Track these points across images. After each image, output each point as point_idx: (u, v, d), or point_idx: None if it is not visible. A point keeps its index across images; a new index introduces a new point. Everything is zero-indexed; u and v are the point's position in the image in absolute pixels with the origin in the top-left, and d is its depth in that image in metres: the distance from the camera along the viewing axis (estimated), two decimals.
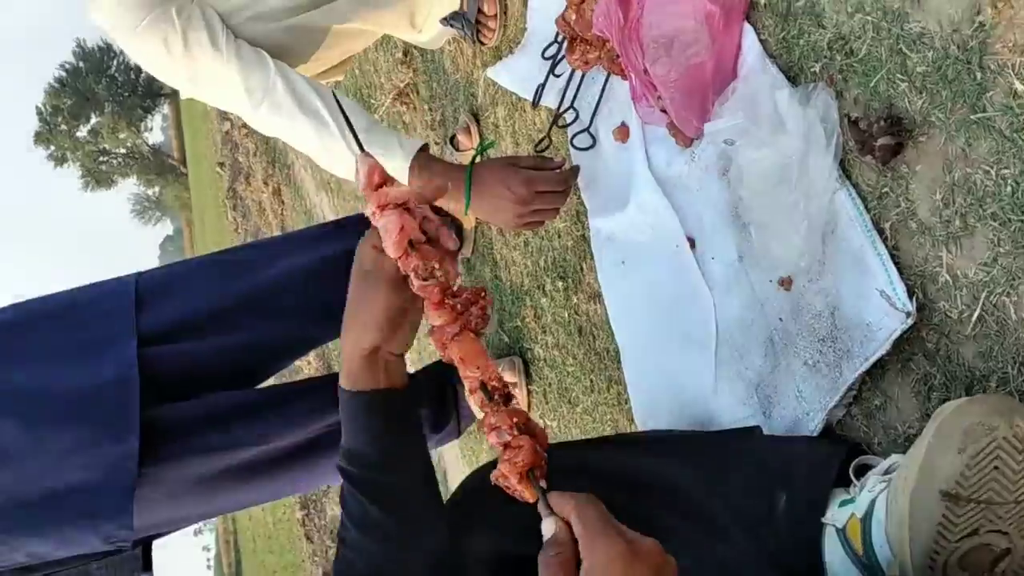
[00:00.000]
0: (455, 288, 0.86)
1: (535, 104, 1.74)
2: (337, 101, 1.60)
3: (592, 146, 1.71)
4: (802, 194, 1.05)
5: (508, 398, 0.82)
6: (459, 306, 0.85)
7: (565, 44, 1.63)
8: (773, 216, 1.09)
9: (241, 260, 1.91)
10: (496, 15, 2.05)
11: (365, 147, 1.61)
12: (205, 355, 1.81)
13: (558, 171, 1.52)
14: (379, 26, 2.00)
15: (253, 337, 1.85)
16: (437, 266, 0.83)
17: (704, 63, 1.23)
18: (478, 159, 1.60)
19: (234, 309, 1.83)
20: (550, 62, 1.79)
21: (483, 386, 0.81)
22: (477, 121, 2.35)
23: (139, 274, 1.85)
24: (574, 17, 1.56)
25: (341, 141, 1.57)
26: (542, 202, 1.49)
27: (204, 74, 1.57)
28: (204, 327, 1.81)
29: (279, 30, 1.66)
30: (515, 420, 0.78)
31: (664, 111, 1.36)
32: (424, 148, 1.64)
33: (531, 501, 0.72)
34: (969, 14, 0.90)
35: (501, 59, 2.09)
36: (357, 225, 1.96)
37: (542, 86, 1.75)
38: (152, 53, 1.57)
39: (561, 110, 1.76)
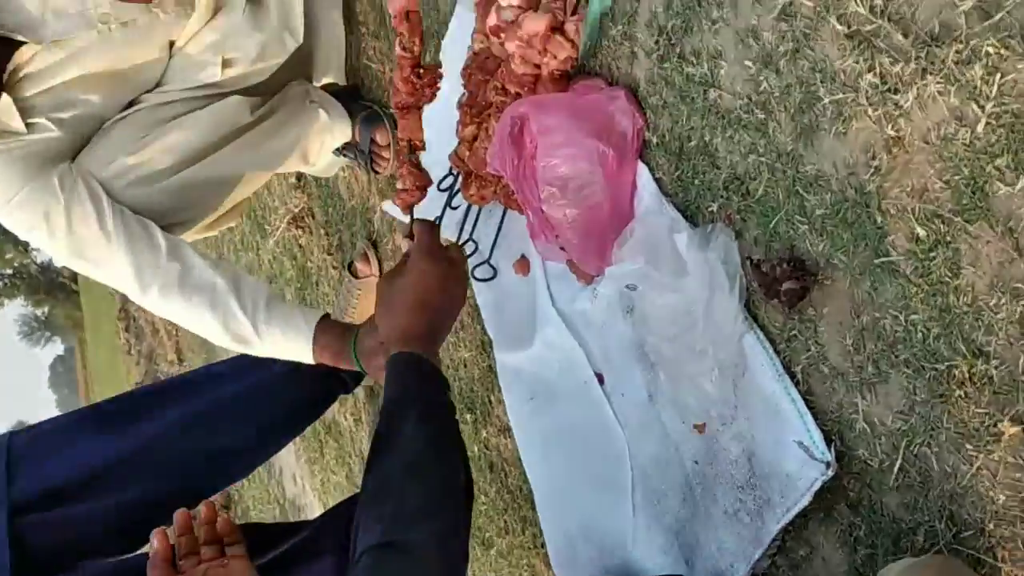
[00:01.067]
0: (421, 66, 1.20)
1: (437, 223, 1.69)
2: (235, 278, 1.53)
3: (493, 277, 1.66)
4: (710, 341, 1.02)
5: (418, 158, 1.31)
6: (419, 82, 1.23)
7: (460, 178, 1.60)
8: (682, 363, 1.05)
9: (118, 411, 1.78)
10: (389, 144, 2.02)
11: (265, 325, 1.55)
12: (84, 520, 1.66)
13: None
14: (279, 169, 1.95)
15: (136, 496, 1.71)
16: (416, 42, 1.17)
17: (600, 204, 1.21)
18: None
19: (115, 467, 1.69)
20: (446, 194, 1.76)
21: (410, 144, 1.30)
22: (375, 247, 2.29)
23: (10, 435, 1.70)
24: (467, 154, 1.53)
25: (245, 323, 1.50)
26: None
27: (90, 253, 1.48)
28: (82, 489, 1.66)
29: (162, 192, 1.60)
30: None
31: (563, 248, 1.33)
32: (325, 316, 1.58)
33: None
34: (864, 158, 0.89)
35: (393, 176, 2.04)
36: (232, 370, 1.86)
37: (439, 219, 1.70)
38: (31, 226, 1.47)
39: (460, 242, 1.72)
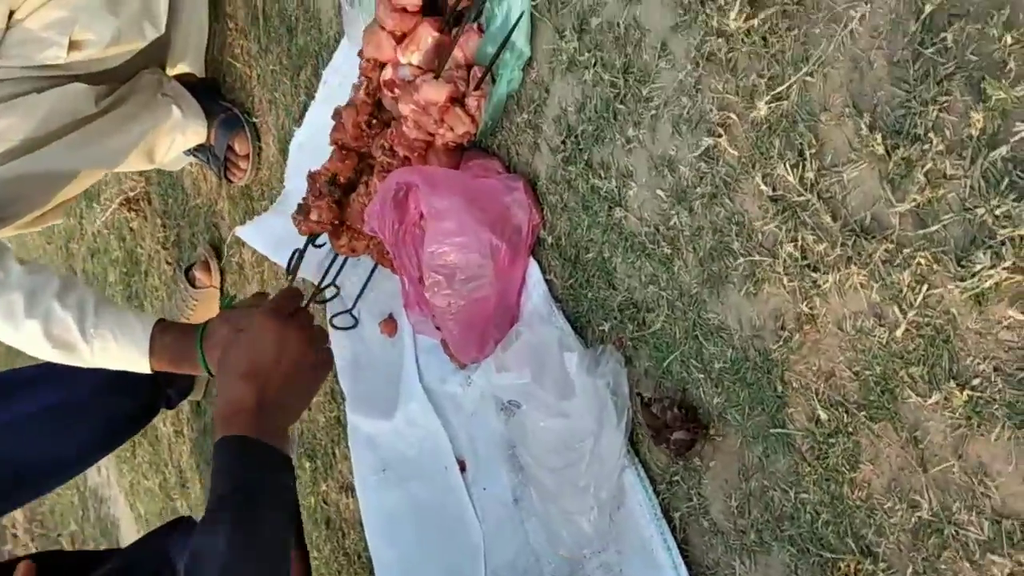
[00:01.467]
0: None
1: (290, 273, 1.56)
2: (62, 281, 1.37)
3: (354, 326, 1.56)
4: (592, 477, 0.97)
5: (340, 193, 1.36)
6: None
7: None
8: (561, 498, 1.00)
9: None
10: (248, 155, 1.86)
11: (94, 329, 1.38)
12: None
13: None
14: (119, 168, 1.76)
15: None
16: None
17: (488, 297, 1.14)
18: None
19: None
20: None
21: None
22: (218, 257, 2.13)
23: None
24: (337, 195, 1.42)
25: (71, 327, 1.34)
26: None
27: None
28: None
29: None
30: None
31: (439, 328, 1.25)
32: (161, 320, 1.44)
33: None
34: (772, 324, 0.87)
35: (252, 203, 1.89)
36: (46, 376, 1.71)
37: (300, 253, 1.57)
38: None
39: (321, 285, 1.60)
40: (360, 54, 1.30)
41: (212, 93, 1.94)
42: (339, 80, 1.48)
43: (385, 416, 1.37)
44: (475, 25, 1.17)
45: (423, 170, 1.19)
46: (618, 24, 0.99)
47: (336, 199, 1.41)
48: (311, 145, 1.58)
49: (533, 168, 1.14)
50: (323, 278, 1.59)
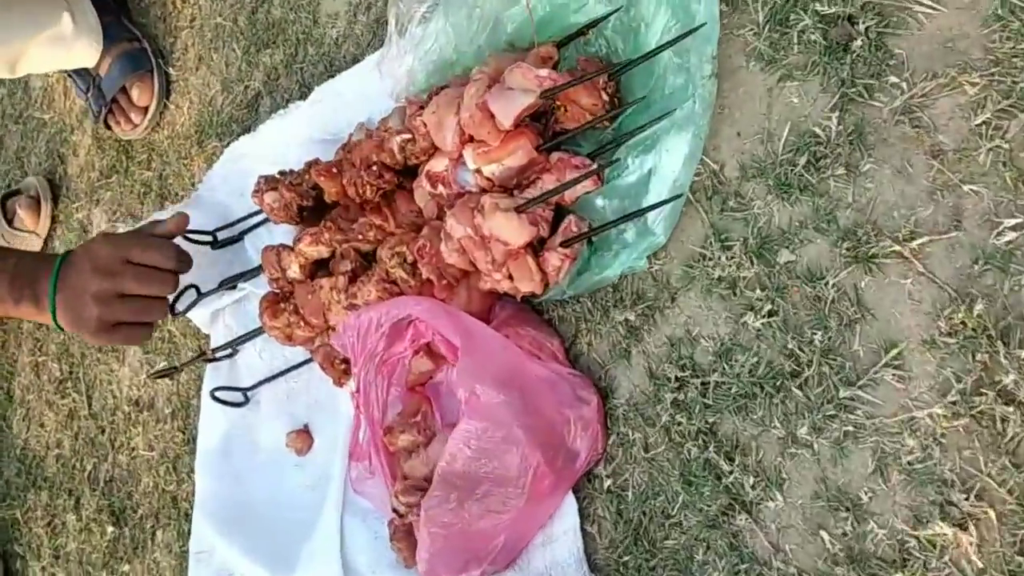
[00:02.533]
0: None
1: (175, 311, 1.17)
2: None
3: (241, 404, 1.19)
4: None
5: None
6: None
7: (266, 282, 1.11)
8: None
9: None
10: (147, 110, 1.41)
11: None
12: None
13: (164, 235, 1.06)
14: None
15: None
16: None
17: (499, 527, 0.84)
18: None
19: None
20: (226, 258, 1.24)
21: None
22: (55, 200, 1.64)
23: None
24: (293, 265, 1.05)
25: None
26: (137, 282, 0.97)
27: None
28: None
29: None
30: None
31: (401, 517, 0.93)
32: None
33: None
34: None
35: (126, 162, 1.45)
36: None
37: (198, 293, 1.18)
38: None
39: (214, 346, 1.21)
40: (402, 117, 0.95)
41: (118, 8, 1.46)
42: (334, 106, 1.10)
43: (271, 569, 1.03)
44: (590, 162, 0.86)
45: (459, 321, 0.86)
46: (825, 282, 0.72)
47: (304, 206, 1.06)
48: (255, 161, 1.19)
49: (610, 377, 0.86)
50: (215, 333, 1.20)
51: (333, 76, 1.14)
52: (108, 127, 1.47)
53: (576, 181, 0.83)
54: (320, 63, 1.18)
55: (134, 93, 1.41)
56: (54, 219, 1.63)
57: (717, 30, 0.80)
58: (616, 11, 0.86)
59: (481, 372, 0.81)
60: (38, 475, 1.57)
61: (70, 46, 1.38)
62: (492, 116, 0.84)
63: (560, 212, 0.88)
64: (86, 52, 1.40)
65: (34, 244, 1.63)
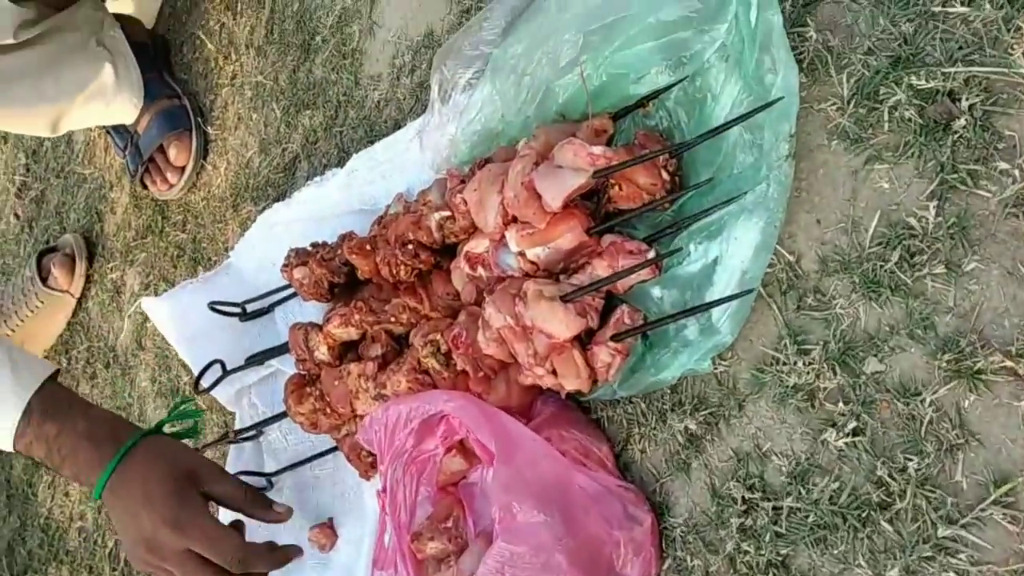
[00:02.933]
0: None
1: (199, 388, 1.09)
2: None
3: (265, 489, 1.11)
4: None
5: None
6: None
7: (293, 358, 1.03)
8: None
9: None
10: (185, 169, 1.36)
11: None
12: None
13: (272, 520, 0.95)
14: (5, 126, 1.24)
15: None
16: None
17: None
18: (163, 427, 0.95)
19: None
20: (249, 330, 1.16)
21: None
22: (89, 259, 1.59)
23: None
24: (321, 347, 0.98)
25: None
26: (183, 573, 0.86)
27: None
28: None
29: None
30: None
31: None
32: (55, 376, 0.94)
33: None
34: None
35: (161, 222, 1.39)
36: None
37: (223, 368, 1.11)
38: None
39: (239, 426, 1.14)
40: (440, 194, 0.87)
41: (160, 63, 1.42)
42: (371, 176, 1.03)
43: None
44: (647, 247, 0.77)
45: (496, 422, 0.77)
46: (922, 399, 0.62)
47: (335, 283, 0.98)
48: (287, 230, 1.12)
49: (666, 492, 0.75)
50: (243, 413, 1.13)
51: (372, 142, 1.07)
52: (144, 186, 1.42)
53: (632, 270, 0.74)
54: (360, 127, 1.11)
55: (171, 152, 1.36)
56: (88, 278, 1.59)
57: (796, 105, 0.71)
58: (680, 82, 0.77)
59: (519, 485, 0.72)
60: (60, 548, 1.50)
61: (110, 101, 1.34)
62: (539, 196, 0.76)
63: (611, 301, 0.79)
64: (126, 108, 1.36)
65: (67, 304, 1.59)
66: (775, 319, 0.71)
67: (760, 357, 0.71)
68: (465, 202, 0.83)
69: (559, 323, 0.75)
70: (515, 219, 0.80)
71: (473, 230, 0.85)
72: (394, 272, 0.88)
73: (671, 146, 0.75)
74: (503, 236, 0.81)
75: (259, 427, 1.08)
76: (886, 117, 0.69)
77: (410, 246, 0.86)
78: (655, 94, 0.79)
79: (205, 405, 1.24)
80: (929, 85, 0.67)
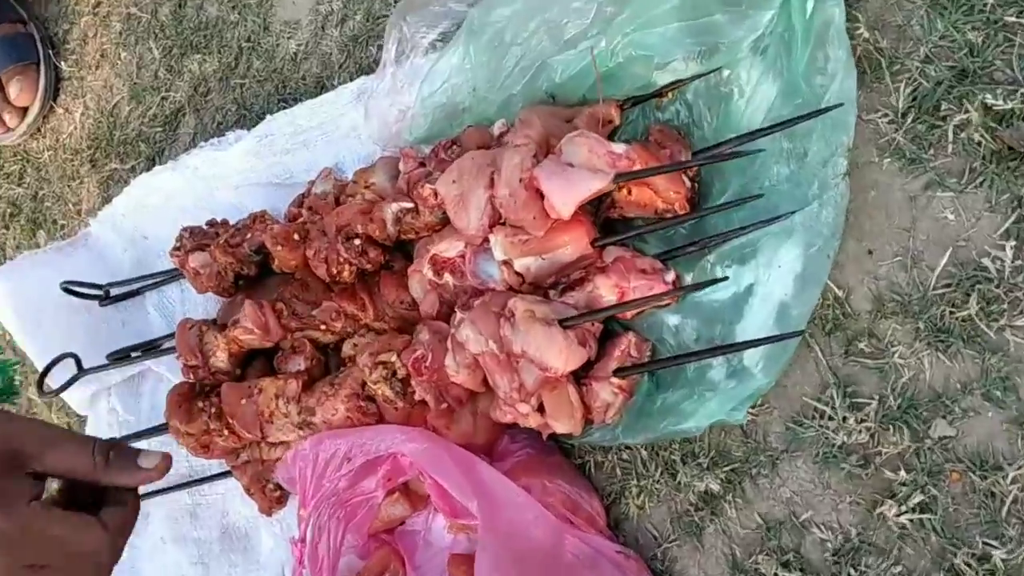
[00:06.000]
0: None
1: (44, 388, 0.88)
2: None
3: None
4: None
5: None
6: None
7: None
8: None
9: None
10: (28, 110, 1.12)
11: None
12: None
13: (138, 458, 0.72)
14: None
15: None
16: None
17: None
18: None
19: None
20: (111, 318, 0.96)
21: None
22: None
23: None
24: (220, 352, 0.80)
25: None
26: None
27: None
28: None
29: None
30: None
31: None
32: None
33: None
34: None
35: (0, 151, 1.14)
36: None
37: (78, 364, 0.90)
38: None
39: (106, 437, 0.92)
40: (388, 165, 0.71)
41: None
42: (289, 145, 0.85)
43: None
44: (661, 266, 0.64)
45: (474, 473, 0.63)
46: (1003, 473, 0.53)
47: (241, 275, 0.79)
48: (171, 201, 0.92)
49: (670, 558, 0.64)
50: (106, 422, 0.93)
51: (286, 102, 0.88)
52: None
53: (654, 300, 0.61)
54: (268, 81, 0.92)
55: (12, 89, 1.11)
56: None
57: (854, 114, 0.60)
58: (711, 72, 0.64)
59: (507, 556, 0.58)
60: None
61: None
62: (541, 197, 0.61)
63: (609, 323, 0.66)
64: None
65: None
66: (818, 364, 0.60)
67: (799, 408, 0.60)
68: (436, 194, 0.67)
69: (557, 354, 0.61)
70: (503, 222, 0.65)
71: (439, 227, 0.70)
72: (334, 271, 0.71)
73: (726, 151, 0.62)
74: (486, 240, 0.66)
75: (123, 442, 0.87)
76: (950, 137, 0.59)
77: (357, 241, 0.69)
78: (676, 84, 0.66)
79: (47, 404, 1.02)
80: (1006, 106, 0.57)
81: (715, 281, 0.60)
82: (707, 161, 0.60)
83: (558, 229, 0.63)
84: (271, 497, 0.78)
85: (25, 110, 1.12)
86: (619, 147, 0.60)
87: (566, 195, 0.60)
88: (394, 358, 0.67)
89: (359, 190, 0.75)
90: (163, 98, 1.01)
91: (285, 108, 0.86)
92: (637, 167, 0.60)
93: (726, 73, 0.65)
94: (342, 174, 0.81)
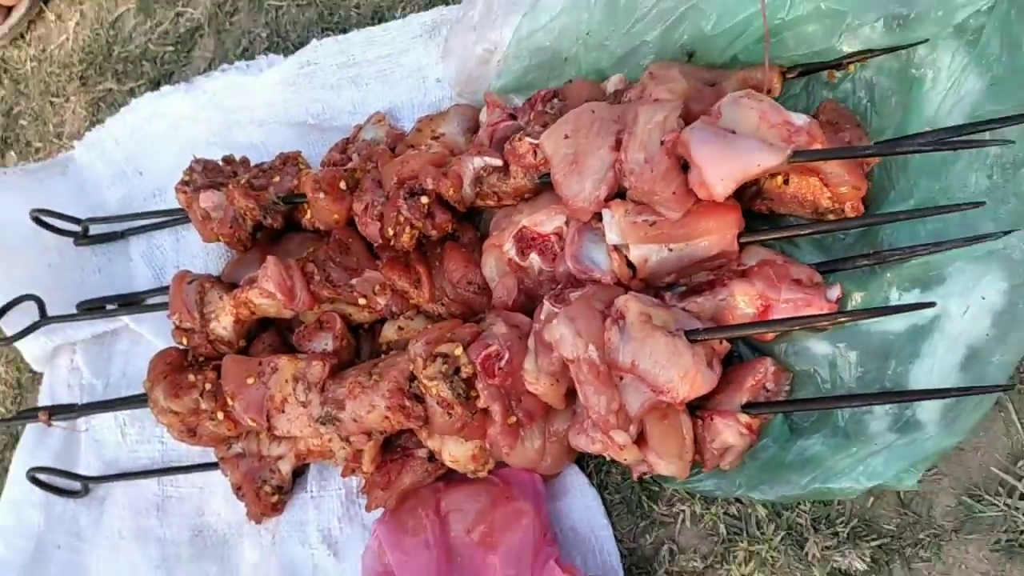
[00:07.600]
0: None
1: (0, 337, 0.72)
2: None
3: (77, 495, 0.75)
4: None
5: None
6: None
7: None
8: None
9: None
10: (12, 10, 0.96)
11: None
12: None
13: None
14: None
15: None
16: None
17: None
18: None
19: None
20: (86, 260, 0.80)
21: None
22: None
23: None
24: (225, 317, 0.64)
25: None
26: None
27: None
28: None
29: None
30: None
31: None
32: None
33: None
34: None
35: None
36: None
37: (41, 309, 0.74)
38: None
39: (50, 401, 0.77)
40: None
41: None
42: (335, 79, 0.70)
43: None
44: (820, 279, 0.51)
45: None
46: None
47: (261, 225, 0.64)
48: (177, 127, 0.77)
49: None
50: (65, 405, 0.77)
51: (332, 32, 0.74)
52: None
53: (819, 319, 0.47)
54: (311, 7, 0.78)
55: None
56: None
57: None
58: (919, 43, 0.51)
59: None
60: None
61: None
62: (684, 169, 0.48)
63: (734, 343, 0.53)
64: None
65: None
66: (1009, 428, 0.47)
67: (979, 479, 0.47)
68: (536, 152, 0.53)
69: (681, 374, 0.47)
70: (624, 195, 0.51)
71: (530, 196, 0.56)
72: (389, 232, 0.56)
73: (955, 138, 0.48)
74: (597, 216, 0.52)
75: (88, 412, 0.72)
76: None
77: (424, 199, 0.55)
78: (864, 54, 0.52)
79: None
80: None
81: (920, 306, 0.46)
82: (928, 148, 0.47)
83: (701, 213, 0.49)
84: (266, 501, 0.63)
85: (9, 10, 0.96)
86: (799, 118, 0.47)
87: (725, 169, 0.46)
88: (459, 351, 0.52)
89: (423, 140, 0.60)
90: (178, 13, 0.86)
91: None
92: (817, 147, 0.47)
93: (922, 52, 0.52)
94: (398, 123, 0.66)
